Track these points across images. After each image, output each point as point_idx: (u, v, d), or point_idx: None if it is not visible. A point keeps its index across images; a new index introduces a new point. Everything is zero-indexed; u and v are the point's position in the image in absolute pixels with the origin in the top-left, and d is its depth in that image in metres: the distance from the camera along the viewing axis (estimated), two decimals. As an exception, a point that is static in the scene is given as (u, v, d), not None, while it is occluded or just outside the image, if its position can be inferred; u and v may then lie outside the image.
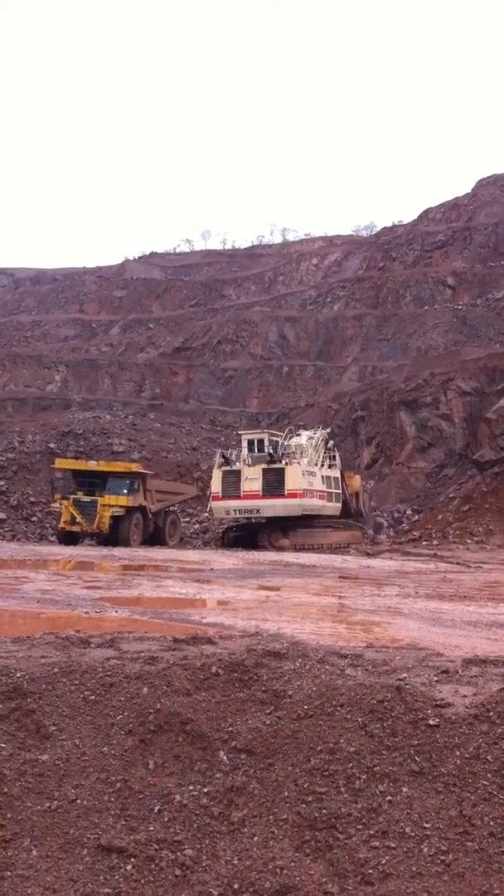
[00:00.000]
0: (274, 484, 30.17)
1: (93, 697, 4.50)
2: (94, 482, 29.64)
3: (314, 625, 9.81)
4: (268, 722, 4.34)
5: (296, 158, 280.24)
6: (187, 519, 37.14)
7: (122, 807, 3.92)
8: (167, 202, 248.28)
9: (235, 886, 3.58)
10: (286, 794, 3.97)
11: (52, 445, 41.55)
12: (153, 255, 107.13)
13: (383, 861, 3.62)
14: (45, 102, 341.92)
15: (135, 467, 31.57)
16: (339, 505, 34.10)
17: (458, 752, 4.07)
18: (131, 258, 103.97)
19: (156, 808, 3.91)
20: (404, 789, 3.93)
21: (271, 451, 31.02)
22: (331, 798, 3.91)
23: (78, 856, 3.69)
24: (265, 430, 35.61)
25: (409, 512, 40.61)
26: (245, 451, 32.11)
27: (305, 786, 3.98)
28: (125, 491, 29.11)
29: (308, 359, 67.01)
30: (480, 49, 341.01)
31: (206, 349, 70.16)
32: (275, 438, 32.38)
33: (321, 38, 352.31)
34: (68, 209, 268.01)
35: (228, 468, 31.41)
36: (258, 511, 30.70)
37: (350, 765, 4.04)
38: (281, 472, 30.23)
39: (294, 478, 30.12)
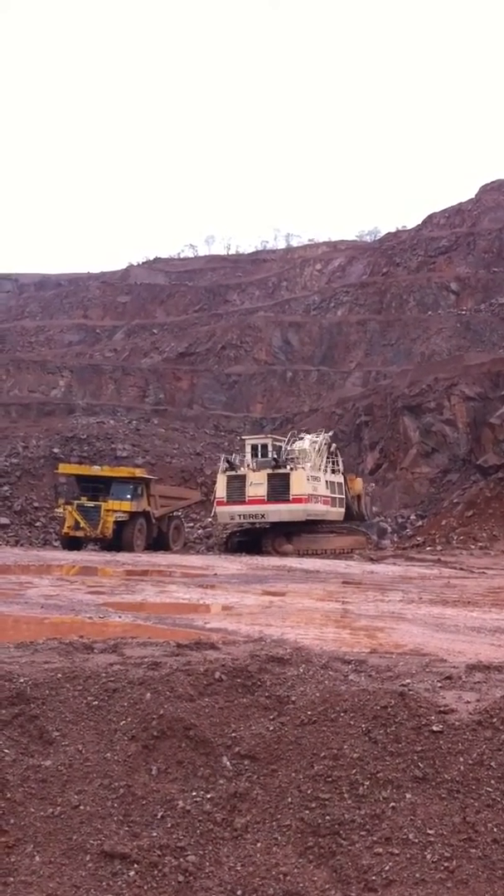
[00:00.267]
0: (279, 489, 30.17)
1: (96, 703, 4.50)
2: (97, 487, 29.67)
3: (318, 630, 9.80)
4: (271, 728, 4.34)
5: (299, 164, 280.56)
6: (191, 524, 37.13)
7: (125, 813, 3.91)
8: (171, 207, 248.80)
9: (238, 893, 3.58)
10: (289, 800, 3.96)
11: (55, 450, 41.60)
12: (157, 260, 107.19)
13: (387, 867, 3.61)
14: (48, 108, 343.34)
15: (138, 472, 31.58)
16: (343, 510, 34.07)
17: (461, 759, 4.06)
18: (135, 263, 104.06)
19: (159, 814, 3.91)
20: (408, 795, 3.92)
21: (275, 456, 31.03)
22: (334, 804, 3.90)
23: (81, 862, 3.68)
24: (269, 435, 35.61)
25: (412, 517, 40.55)
26: (249, 456, 32.13)
27: (309, 792, 3.97)
28: (129, 496, 29.13)
29: (312, 364, 67.02)
30: (485, 55, 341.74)
31: (210, 354, 70.22)
32: (278, 443, 32.38)
33: (324, 43, 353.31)
34: (72, 214, 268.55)
35: (233, 473, 31.42)
36: (263, 516, 30.69)
37: (353, 771, 4.04)
38: (286, 476, 30.24)
39: (299, 483, 30.13)
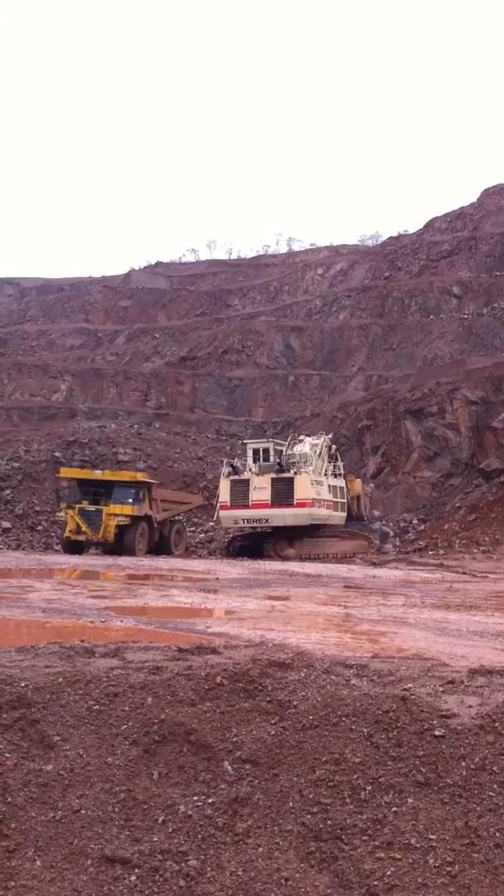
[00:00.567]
0: (283, 493, 30.19)
1: (97, 707, 4.49)
2: (99, 491, 29.67)
3: (320, 634, 9.79)
4: (273, 732, 4.33)
5: (301, 168, 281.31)
6: (193, 528, 37.11)
7: (126, 817, 3.91)
8: (173, 212, 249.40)
9: (240, 898, 3.57)
10: (291, 804, 3.95)
11: (57, 454, 41.64)
12: (159, 264, 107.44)
13: (388, 872, 3.60)
14: (50, 112, 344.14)
15: (140, 476, 31.59)
16: (345, 514, 34.08)
17: (463, 763, 4.05)
18: (137, 268, 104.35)
19: (160, 819, 3.90)
20: (410, 800, 3.91)
21: (278, 460, 31.05)
22: (336, 809, 3.89)
23: (82, 866, 3.67)
24: (270, 440, 35.63)
25: (414, 521, 40.50)
26: (250, 460, 32.15)
27: (310, 796, 3.96)
28: (130, 500, 29.13)
29: (313, 368, 67.01)
30: (487, 58, 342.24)
31: (212, 359, 70.23)
32: (280, 448, 32.39)
33: (327, 48, 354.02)
34: (74, 219, 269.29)
35: (237, 477, 31.43)
36: (267, 520, 30.68)
37: (355, 775, 4.03)
38: (290, 481, 30.26)
39: (303, 487, 30.15)
